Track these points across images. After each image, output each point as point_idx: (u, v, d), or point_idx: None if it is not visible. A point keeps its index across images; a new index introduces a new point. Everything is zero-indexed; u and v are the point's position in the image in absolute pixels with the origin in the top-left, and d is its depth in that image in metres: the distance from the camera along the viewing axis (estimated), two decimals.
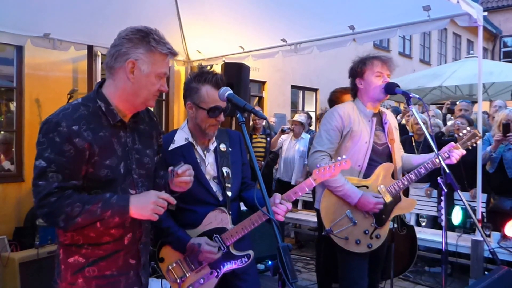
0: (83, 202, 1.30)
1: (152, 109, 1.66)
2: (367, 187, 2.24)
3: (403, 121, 5.56)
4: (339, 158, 1.80)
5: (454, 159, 2.23)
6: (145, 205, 1.34)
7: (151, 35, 1.37)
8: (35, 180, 1.30)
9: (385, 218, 2.28)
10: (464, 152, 2.27)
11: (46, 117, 1.34)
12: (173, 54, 1.42)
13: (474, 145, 2.35)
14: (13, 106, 4.93)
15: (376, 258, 2.32)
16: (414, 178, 2.27)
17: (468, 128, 2.37)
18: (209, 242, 1.80)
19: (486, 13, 3.72)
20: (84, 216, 1.29)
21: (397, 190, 2.27)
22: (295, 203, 5.36)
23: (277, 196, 1.73)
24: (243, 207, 2.13)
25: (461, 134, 2.36)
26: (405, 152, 2.62)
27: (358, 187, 2.23)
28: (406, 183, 2.27)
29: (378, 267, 2.43)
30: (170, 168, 1.53)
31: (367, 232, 2.24)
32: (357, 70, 2.33)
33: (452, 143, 2.31)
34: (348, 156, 2.19)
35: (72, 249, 1.38)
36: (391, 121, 2.43)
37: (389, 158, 2.34)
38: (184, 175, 1.48)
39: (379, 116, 2.38)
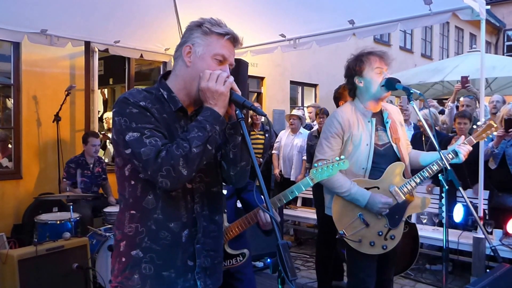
0: (184, 138, 1.24)
1: None
2: (378, 187, 2.21)
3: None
4: (336, 158, 1.78)
5: (463, 156, 2.18)
6: (215, 88, 1.29)
7: (208, 20, 1.38)
8: (135, 151, 1.21)
9: (399, 219, 2.24)
10: (471, 148, 2.24)
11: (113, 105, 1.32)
12: (232, 35, 1.38)
13: (490, 136, 2.37)
14: (10, 103, 4.92)
15: (385, 256, 2.29)
16: (427, 175, 2.22)
17: (483, 120, 2.37)
18: None
19: (489, 6, 3.66)
20: (194, 143, 1.22)
21: (409, 190, 2.23)
22: (294, 200, 5.33)
23: None
24: (239, 204, 2.10)
25: (475, 127, 2.35)
26: (415, 147, 2.58)
27: (368, 188, 2.20)
28: (418, 181, 2.23)
29: (390, 264, 2.40)
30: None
31: (381, 233, 2.20)
32: (356, 69, 2.24)
33: (462, 137, 2.29)
34: (351, 160, 2.18)
35: (136, 241, 1.32)
36: (396, 117, 2.35)
37: (395, 158, 2.27)
38: None
39: (379, 115, 2.31)
